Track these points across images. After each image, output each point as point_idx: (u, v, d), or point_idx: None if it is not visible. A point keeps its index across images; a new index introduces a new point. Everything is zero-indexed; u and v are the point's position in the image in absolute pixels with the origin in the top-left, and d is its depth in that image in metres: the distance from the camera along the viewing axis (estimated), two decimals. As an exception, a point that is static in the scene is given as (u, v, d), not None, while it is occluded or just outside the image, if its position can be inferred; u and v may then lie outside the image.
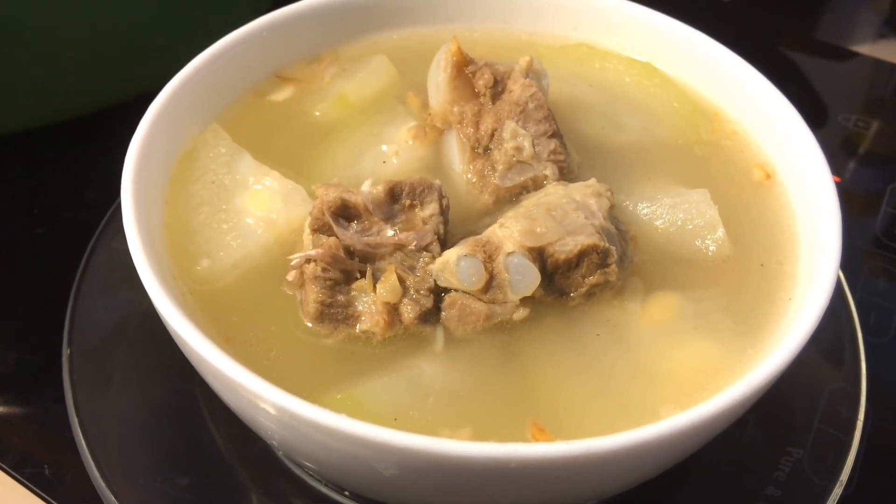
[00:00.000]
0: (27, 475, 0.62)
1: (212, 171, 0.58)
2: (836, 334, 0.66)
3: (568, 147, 0.61)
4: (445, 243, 0.53)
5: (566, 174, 0.59)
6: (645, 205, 0.58)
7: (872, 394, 0.70)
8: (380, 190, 0.52)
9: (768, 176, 0.61)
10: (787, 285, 0.53)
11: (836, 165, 0.85)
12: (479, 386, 0.48)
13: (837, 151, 0.93)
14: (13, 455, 0.64)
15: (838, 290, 0.68)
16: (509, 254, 0.49)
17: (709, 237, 0.56)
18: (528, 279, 0.49)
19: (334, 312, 0.50)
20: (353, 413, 0.42)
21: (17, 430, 0.66)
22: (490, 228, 0.51)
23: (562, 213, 0.52)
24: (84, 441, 0.58)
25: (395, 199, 0.53)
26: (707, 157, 0.63)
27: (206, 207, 0.56)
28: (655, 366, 0.50)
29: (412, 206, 0.53)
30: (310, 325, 0.50)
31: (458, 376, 0.49)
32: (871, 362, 0.72)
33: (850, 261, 0.81)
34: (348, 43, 0.72)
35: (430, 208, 0.52)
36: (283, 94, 0.68)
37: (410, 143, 0.62)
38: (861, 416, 0.60)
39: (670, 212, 0.57)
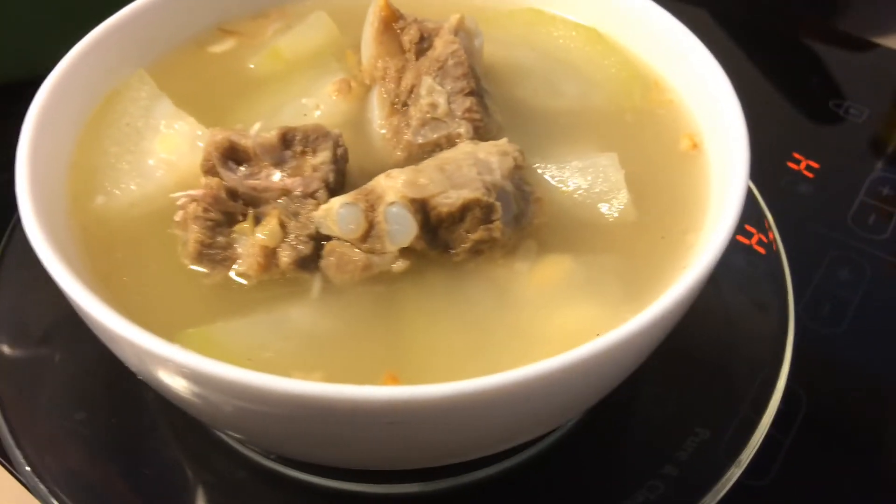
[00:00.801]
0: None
1: (129, 114, 0.59)
2: (770, 320, 0.63)
3: (491, 108, 0.60)
4: (338, 193, 0.53)
5: (482, 134, 0.58)
6: (555, 167, 0.56)
7: (817, 386, 0.67)
8: (272, 135, 0.52)
9: (695, 146, 0.59)
10: (686, 254, 0.51)
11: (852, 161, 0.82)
12: (346, 334, 0.48)
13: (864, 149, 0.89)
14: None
15: (777, 272, 0.65)
16: (390, 203, 0.48)
17: (612, 201, 0.54)
18: (406, 229, 0.48)
19: (213, 253, 0.50)
20: (204, 349, 0.42)
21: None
22: (376, 178, 0.51)
23: (454, 168, 0.51)
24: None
25: (287, 146, 0.52)
26: (638, 125, 0.61)
27: (115, 148, 0.57)
28: (535, 328, 0.48)
29: (304, 153, 0.52)
30: (189, 265, 0.50)
31: (326, 323, 0.48)
32: (820, 353, 0.69)
33: (815, 247, 0.77)
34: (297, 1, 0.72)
35: (322, 156, 0.52)
36: (222, 47, 0.68)
37: (334, 97, 0.61)
38: (774, 399, 0.58)
39: (578, 175, 0.55)
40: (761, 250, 0.70)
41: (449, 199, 0.49)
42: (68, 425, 0.59)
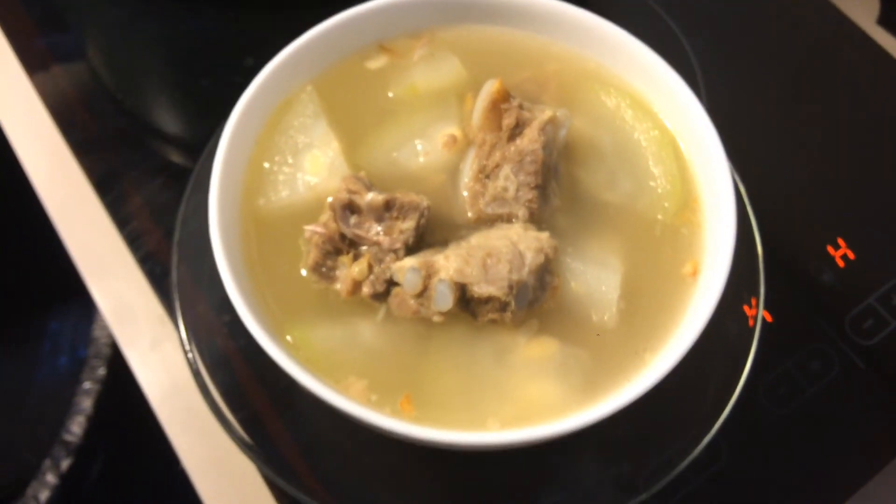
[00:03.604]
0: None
1: (293, 127, 0.81)
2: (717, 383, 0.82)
3: (551, 193, 0.78)
4: (420, 245, 0.74)
5: (535, 217, 0.76)
6: (578, 262, 0.75)
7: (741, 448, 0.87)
8: (379, 199, 0.73)
9: (694, 273, 0.75)
10: (637, 371, 0.71)
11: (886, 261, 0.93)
12: (390, 355, 0.72)
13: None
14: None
15: (732, 373, 0.82)
16: (440, 280, 0.70)
17: (601, 310, 0.73)
18: (445, 302, 0.70)
19: (323, 271, 0.74)
20: (302, 345, 0.69)
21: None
22: (440, 254, 0.72)
23: (494, 261, 0.71)
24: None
25: (389, 209, 0.74)
26: (661, 239, 0.77)
27: (278, 157, 0.79)
28: (511, 388, 0.71)
29: (397, 218, 0.73)
30: (305, 272, 0.75)
31: (380, 342, 0.72)
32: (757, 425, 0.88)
33: (802, 334, 0.92)
34: (447, 27, 0.88)
35: (409, 223, 0.73)
36: (377, 63, 0.86)
37: (440, 148, 0.80)
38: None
39: (588, 277, 0.74)
40: (751, 322, 0.87)
41: (481, 290, 0.70)
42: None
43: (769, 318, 0.92)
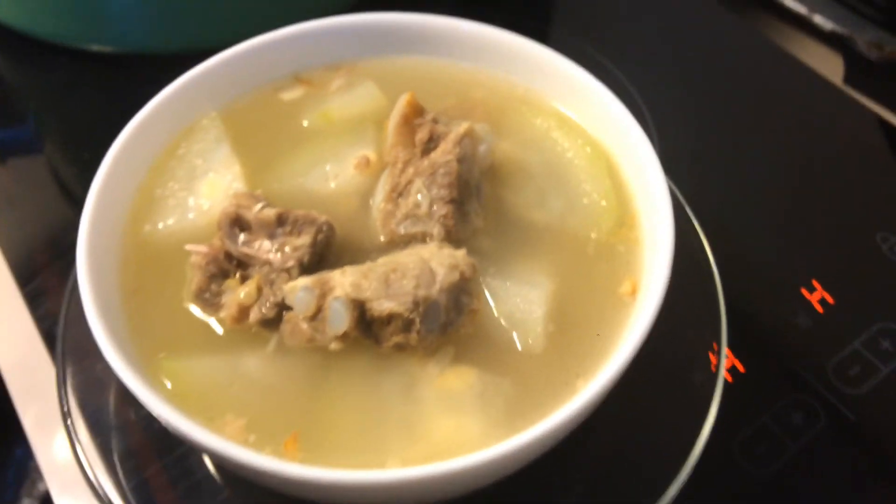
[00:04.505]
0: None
1: (193, 152, 0.74)
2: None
3: (472, 213, 0.69)
4: (320, 268, 0.65)
5: (454, 236, 0.67)
6: (498, 283, 0.65)
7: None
8: (271, 213, 0.65)
9: (633, 293, 0.65)
10: (568, 398, 0.59)
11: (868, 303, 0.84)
12: (278, 389, 0.61)
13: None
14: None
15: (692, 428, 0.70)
16: (335, 297, 0.61)
17: (526, 333, 0.62)
18: (339, 323, 0.60)
19: (207, 297, 0.65)
20: (175, 381, 0.59)
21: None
22: (335, 271, 0.63)
23: (398, 276, 0.62)
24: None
25: (281, 223, 0.65)
26: (594, 258, 0.68)
27: (172, 183, 0.72)
28: (420, 424, 0.60)
29: (291, 233, 0.65)
30: (189, 301, 0.65)
31: (269, 376, 0.62)
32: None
33: (779, 384, 0.80)
34: (368, 58, 0.83)
35: (304, 239, 0.64)
36: (292, 94, 0.81)
37: (352, 171, 0.73)
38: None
39: (510, 298, 0.64)
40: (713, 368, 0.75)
41: (381, 307, 0.60)
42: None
43: (741, 368, 0.81)
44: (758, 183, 0.99)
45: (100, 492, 0.67)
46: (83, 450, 0.69)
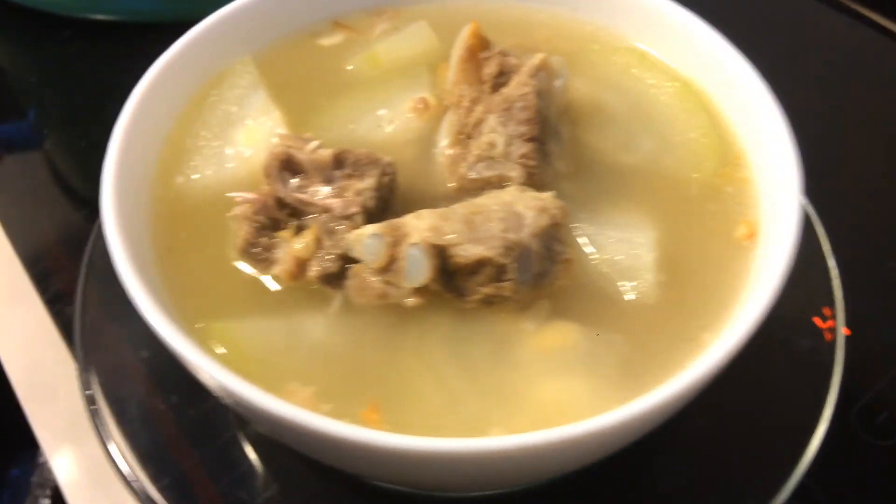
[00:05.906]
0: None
1: (225, 100, 0.65)
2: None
3: (553, 155, 0.60)
4: (385, 216, 0.56)
5: (536, 181, 0.58)
6: (594, 230, 0.56)
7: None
8: (328, 154, 0.56)
9: (751, 236, 0.56)
10: (694, 354, 0.50)
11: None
12: (347, 355, 0.52)
13: None
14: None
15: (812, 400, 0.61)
16: (412, 244, 0.51)
17: (635, 282, 0.53)
18: (419, 272, 0.51)
19: (256, 252, 0.55)
20: (226, 347, 0.49)
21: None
22: (408, 215, 0.53)
23: (482, 219, 0.53)
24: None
25: (339, 166, 0.56)
26: (699, 200, 0.59)
27: (205, 132, 0.63)
28: (522, 392, 0.50)
29: (352, 176, 0.56)
30: (235, 257, 0.56)
31: (335, 339, 0.52)
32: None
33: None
34: (413, 2, 0.74)
35: (368, 182, 0.55)
36: (332, 40, 0.72)
37: (409, 115, 0.64)
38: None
39: (611, 245, 0.55)
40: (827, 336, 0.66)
41: (465, 252, 0.51)
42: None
43: (846, 331, 0.72)
44: (863, 140, 0.90)
45: (135, 486, 0.57)
46: (115, 443, 0.59)
